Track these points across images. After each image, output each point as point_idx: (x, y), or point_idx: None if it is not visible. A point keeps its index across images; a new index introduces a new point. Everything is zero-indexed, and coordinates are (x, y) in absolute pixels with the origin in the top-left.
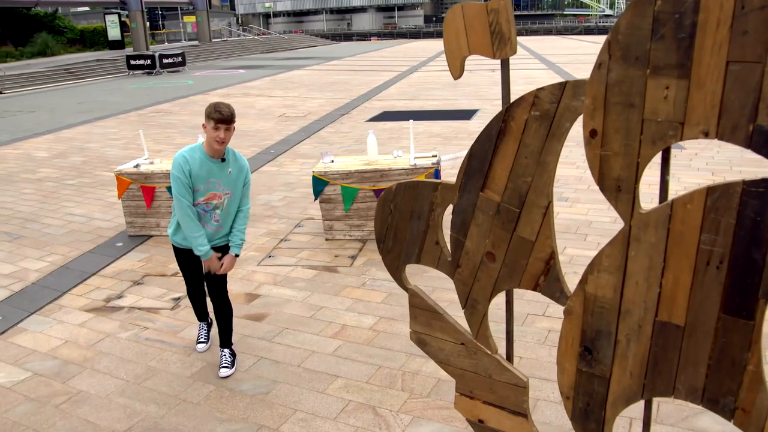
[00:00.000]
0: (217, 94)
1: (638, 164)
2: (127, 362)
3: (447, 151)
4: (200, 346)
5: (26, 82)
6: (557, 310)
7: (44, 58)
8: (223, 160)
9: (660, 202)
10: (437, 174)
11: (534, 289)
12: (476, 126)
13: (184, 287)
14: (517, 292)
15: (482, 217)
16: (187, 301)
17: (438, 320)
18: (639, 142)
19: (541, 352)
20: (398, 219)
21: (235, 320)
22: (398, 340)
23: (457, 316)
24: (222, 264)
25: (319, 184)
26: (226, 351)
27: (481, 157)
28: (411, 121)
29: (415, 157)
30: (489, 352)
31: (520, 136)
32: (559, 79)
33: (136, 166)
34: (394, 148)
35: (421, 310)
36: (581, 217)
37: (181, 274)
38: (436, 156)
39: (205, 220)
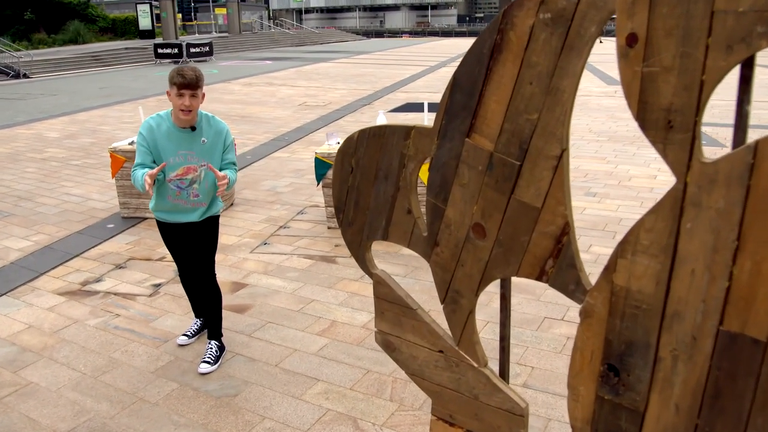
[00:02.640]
0: (240, 82)
1: (702, 85)
2: (89, 352)
3: None
4: (182, 338)
5: (53, 67)
6: None
7: (75, 46)
8: (194, 129)
9: (734, 147)
10: None
11: (539, 279)
12: None
13: (168, 273)
14: (534, 289)
15: (468, 174)
16: (168, 288)
17: (410, 318)
18: (705, 48)
19: (557, 363)
20: (361, 179)
21: None
22: None
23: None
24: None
25: (322, 167)
26: (213, 344)
27: (467, 88)
28: (426, 103)
29: None
30: (475, 365)
31: (522, 53)
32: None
33: (132, 143)
34: None
35: (389, 303)
36: (610, 214)
37: (167, 258)
38: None
39: (182, 197)
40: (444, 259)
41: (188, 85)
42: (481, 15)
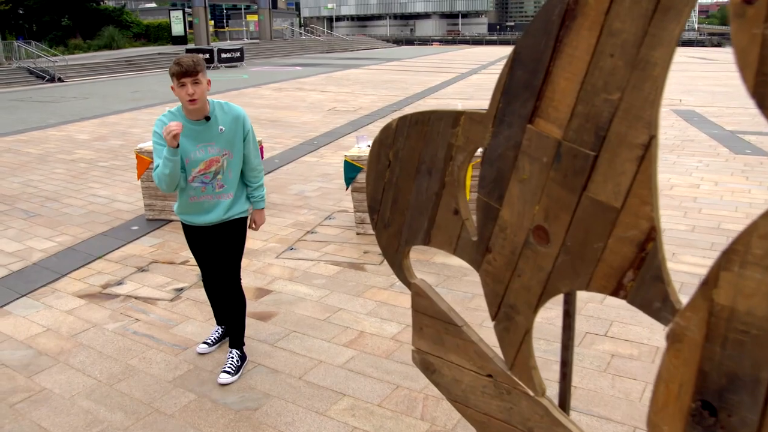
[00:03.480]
0: (270, 87)
1: None
2: (106, 358)
3: None
4: (202, 346)
5: (87, 71)
6: (624, 328)
7: (109, 51)
8: (208, 118)
9: None
10: None
11: (615, 294)
12: None
13: (190, 277)
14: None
15: (530, 168)
16: (190, 293)
17: (454, 336)
18: None
19: (602, 383)
20: (400, 174)
21: None
22: None
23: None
24: (255, 222)
25: (351, 170)
26: (235, 353)
27: (531, 64)
28: (459, 103)
29: None
30: (531, 393)
31: (602, 18)
32: None
33: None
34: None
35: (430, 318)
36: None
37: (191, 262)
38: None
39: (207, 192)
40: (497, 268)
41: (186, 73)
42: (512, 23)
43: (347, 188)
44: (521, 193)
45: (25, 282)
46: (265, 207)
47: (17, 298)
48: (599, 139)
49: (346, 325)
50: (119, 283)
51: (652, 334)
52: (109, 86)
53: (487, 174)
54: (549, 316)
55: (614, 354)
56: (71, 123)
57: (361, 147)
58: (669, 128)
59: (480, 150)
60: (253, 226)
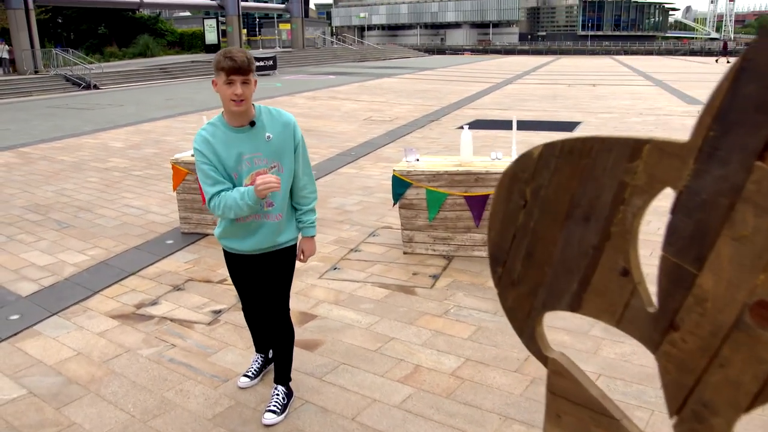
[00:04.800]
0: (304, 96)
1: None
2: (140, 389)
3: None
4: (243, 380)
5: (122, 79)
6: None
7: (144, 59)
8: (253, 124)
9: None
10: None
11: None
12: None
13: (229, 298)
14: None
15: (754, 222)
16: (228, 316)
17: (607, 430)
18: None
19: None
20: (540, 219)
21: None
22: (489, 395)
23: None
24: (303, 253)
25: (399, 185)
26: (280, 389)
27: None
28: (514, 117)
29: None
30: None
31: None
32: (668, 96)
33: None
34: (487, 154)
35: (573, 405)
36: None
37: (229, 281)
38: None
39: (255, 211)
40: (686, 353)
41: (239, 70)
42: (543, 33)
43: (395, 204)
44: (736, 255)
45: (57, 299)
46: (315, 235)
47: (48, 317)
48: None
49: (400, 358)
50: (154, 302)
51: None
52: (144, 94)
53: (680, 226)
54: (623, 351)
55: None
56: (106, 130)
57: (409, 160)
58: None
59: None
60: (301, 257)
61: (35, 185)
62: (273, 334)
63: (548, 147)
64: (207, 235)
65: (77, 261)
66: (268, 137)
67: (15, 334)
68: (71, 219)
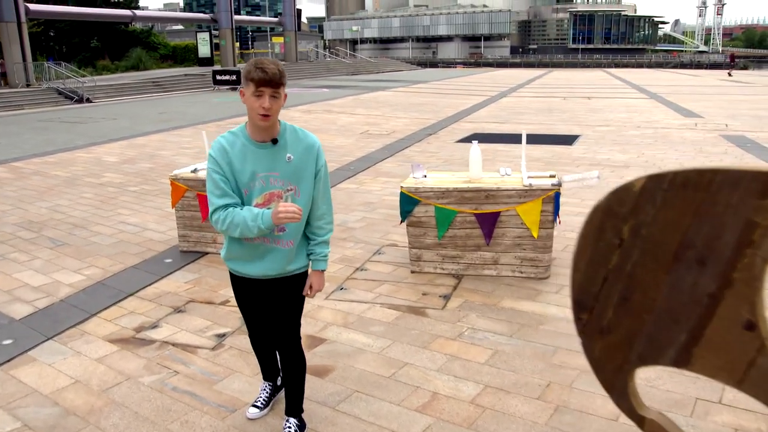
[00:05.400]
0: (299, 109)
1: None
2: (143, 421)
3: None
4: (252, 411)
5: (115, 92)
6: (741, 393)
7: (137, 72)
8: (275, 141)
9: None
10: (557, 199)
11: None
12: (580, 152)
13: (233, 321)
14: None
15: None
16: (233, 340)
17: None
18: None
19: None
20: (639, 260)
21: None
22: (513, 425)
23: None
24: (311, 287)
25: (408, 203)
26: (293, 422)
27: None
28: (524, 132)
29: (529, 177)
30: None
31: None
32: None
33: (194, 170)
34: (492, 169)
35: None
36: None
37: (232, 302)
38: (555, 176)
39: (264, 234)
40: None
41: (270, 82)
42: (535, 46)
43: (402, 221)
44: None
45: (52, 322)
46: (326, 269)
47: (43, 341)
48: None
49: (416, 384)
50: (154, 325)
51: None
52: (137, 107)
53: None
54: (648, 376)
55: (737, 428)
56: (99, 144)
57: (416, 177)
58: (723, 155)
59: None
60: (308, 292)
61: (28, 201)
62: (283, 364)
63: (654, 179)
64: (207, 253)
65: (73, 281)
66: (289, 158)
67: (8, 361)
68: (66, 237)
